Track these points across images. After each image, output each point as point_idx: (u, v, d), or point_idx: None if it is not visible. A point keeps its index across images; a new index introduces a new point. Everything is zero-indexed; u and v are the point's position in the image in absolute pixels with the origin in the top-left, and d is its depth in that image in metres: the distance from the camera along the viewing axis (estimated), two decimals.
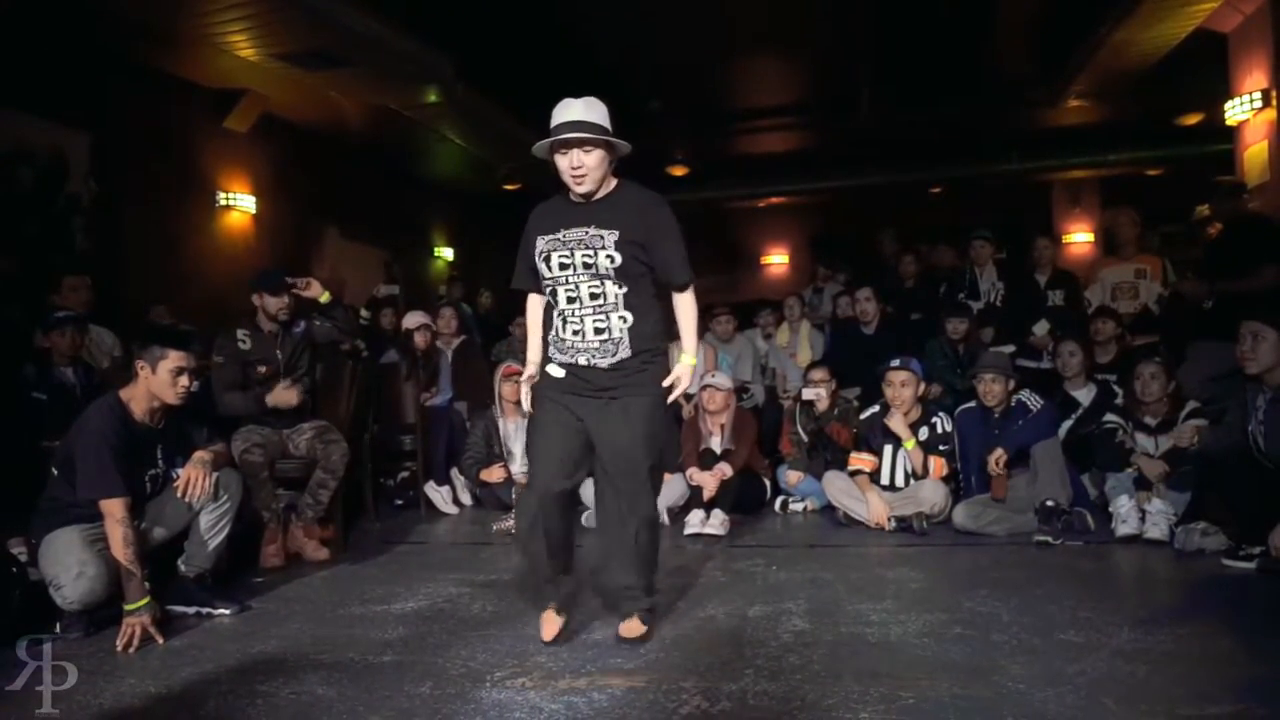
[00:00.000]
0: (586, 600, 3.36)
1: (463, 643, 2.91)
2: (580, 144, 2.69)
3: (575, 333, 2.79)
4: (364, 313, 7.63)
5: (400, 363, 5.89)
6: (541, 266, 2.80)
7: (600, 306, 2.76)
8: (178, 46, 6.16)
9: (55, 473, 3.22)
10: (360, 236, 9.58)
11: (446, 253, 11.33)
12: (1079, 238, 11.78)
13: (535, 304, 3.00)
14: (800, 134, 10.31)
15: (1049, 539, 4.19)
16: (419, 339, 6.03)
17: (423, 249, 11.11)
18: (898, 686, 2.41)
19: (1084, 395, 5.09)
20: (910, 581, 3.62)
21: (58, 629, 3.06)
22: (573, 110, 2.71)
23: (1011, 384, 4.77)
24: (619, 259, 2.72)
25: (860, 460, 4.91)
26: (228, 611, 3.31)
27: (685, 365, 2.85)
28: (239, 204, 7.72)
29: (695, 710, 2.31)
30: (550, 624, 2.89)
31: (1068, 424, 4.95)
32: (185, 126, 7.22)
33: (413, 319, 6.18)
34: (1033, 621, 2.96)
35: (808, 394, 5.45)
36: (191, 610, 3.30)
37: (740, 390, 5.99)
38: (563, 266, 2.76)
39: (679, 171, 11.39)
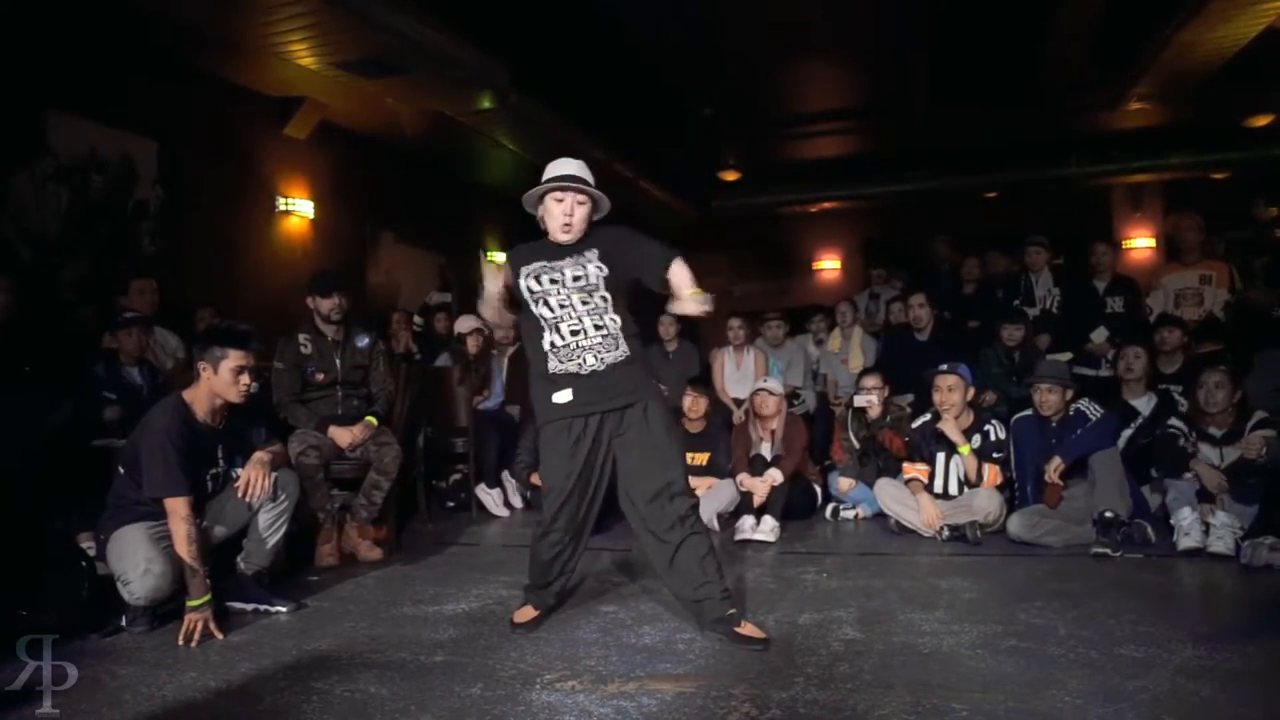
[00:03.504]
0: (638, 604, 3.37)
1: (513, 645, 2.94)
2: (579, 191, 2.97)
3: (574, 332, 2.92)
4: (417, 319, 7.75)
5: (453, 367, 5.96)
6: (530, 283, 2.96)
7: (592, 310, 2.94)
8: (240, 55, 6.32)
9: (121, 471, 3.32)
10: (415, 241, 9.70)
11: (499, 257, 11.42)
12: (1140, 243, 11.48)
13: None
14: (854, 139, 10.21)
15: (1108, 551, 4.09)
16: (471, 343, 6.10)
17: (476, 254, 11.20)
18: (950, 698, 2.38)
19: (1144, 404, 4.97)
20: (964, 591, 3.56)
21: (124, 622, 3.15)
22: (569, 166, 3.03)
23: (1069, 393, 4.67)
24: (605, 269, 2.96)
25: (914, 470, 4.85)
26: (284, 609, 3.38)
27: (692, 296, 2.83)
28: (298, 209, 7.88)
29: (744, 717, 2.30)
30: (526, 614, 3.16)
31: (1127, 433, 4.83)
32: (247, 133, 7.39)
33: (465, 323, 6.26)
34: (1091, 635, 2.90)
35: (860, 401, 5.40)
36: (250, 607, 3.38)
37: (791, 396, 5.96)
38: (553, 281, 2.94)
39: (731, 176, 11.36)
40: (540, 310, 2.95)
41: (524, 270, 3.00)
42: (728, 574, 3.86)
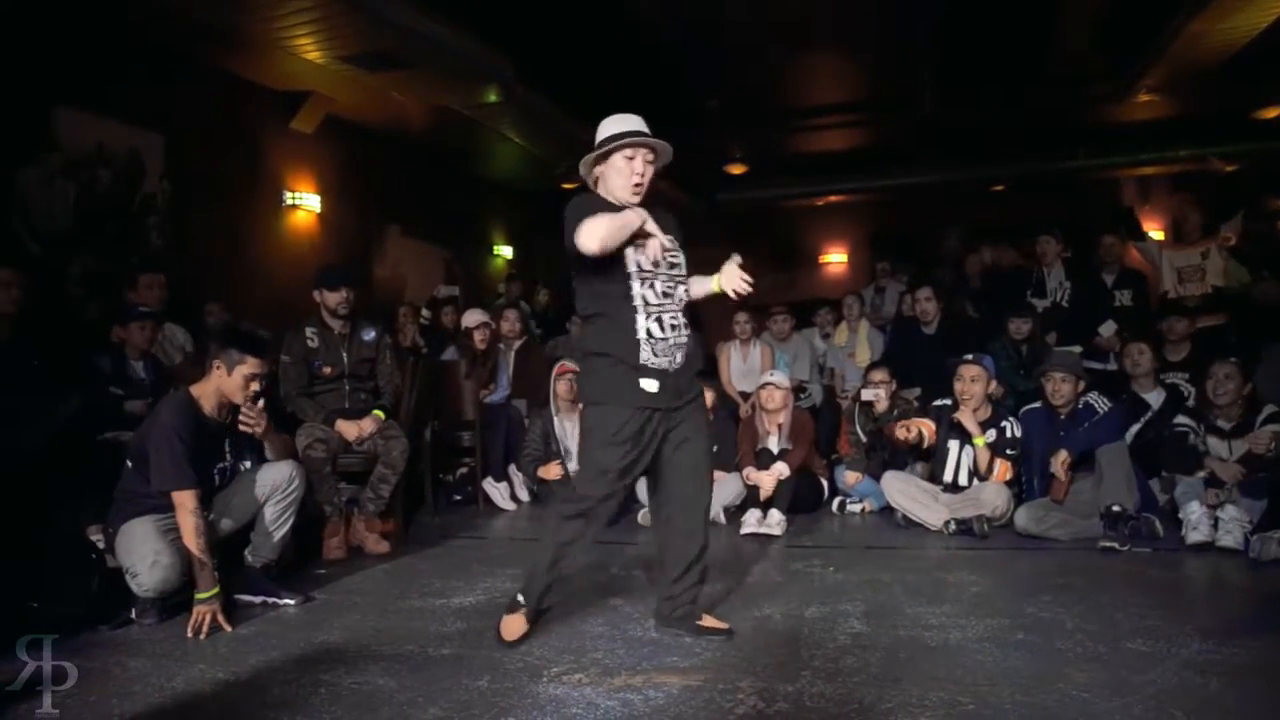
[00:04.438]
0: (644, 598, 3.37)
1: None
2: (651, 148, 2.76)
3: (673, 327, 2.76)
4: (425, 312, 7.76)
5: (460, 360, 5.97)
6: (640, 258, 2.72)
7: (682, 301, 2.82)
8: (246, 50, 6.32)
9: (129, 465, 3.34)
10: (421, 235, 9.71)
11: (505, 251, 11.45)
12: (1149, 235, 11.44)
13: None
14: (860, 131, 10.19)
15: (1115, 545, 4.08)
16: (478, 337, 6.11)
17: (482, 247, 11.23)
18: (957, 692, 2.38)
19: (1153, 398, 4.95)
20: (970, 585, 3.56)
21: (133, 614, 3.17)
22: (634, 121, 2.78)
23: (1081, 384, 4.66)
24: (684, 261, 2.85)
25: (918, 422, 4.83)
26: (292, 602, 3.40)
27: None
28: (304, 203, 7.88)
29: (751, 710, 2.30)
30: (520, 627, 2.92)
31: (1136, 427, 4.81)
32: (253, 128, 7.39)
33: (472, 317, 6.26)
34: (1098, 629, 2.89)
35: (866, 394, 5.39)
36: (258, 599, 3.40)
37: (797, 390, 5.95)
38: (655, 264, 2.74)
39: (737, 170, 11.34)
40: (644, 291, 2.72)
41: (635, 246, 2.72)
42: (734, 568, 3.89)
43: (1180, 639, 2.77)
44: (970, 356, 4.84)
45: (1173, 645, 2.71)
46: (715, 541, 4.49)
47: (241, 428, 3.46)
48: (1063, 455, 4.39)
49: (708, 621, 2.93)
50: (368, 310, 5.09)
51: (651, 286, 2.73)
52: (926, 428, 4.81)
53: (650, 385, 2.72)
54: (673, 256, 2.81)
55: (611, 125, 2.78)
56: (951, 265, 8.05)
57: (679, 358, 2.77)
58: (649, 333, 2.71)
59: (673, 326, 2.76)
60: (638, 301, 2.71)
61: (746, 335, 6.43)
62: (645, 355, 2.71)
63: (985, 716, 2.23)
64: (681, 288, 2.82)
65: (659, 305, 2.74)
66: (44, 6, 5.32)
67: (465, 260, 10.43)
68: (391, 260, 9.29)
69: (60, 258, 5.62)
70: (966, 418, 4.73)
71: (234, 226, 7.19)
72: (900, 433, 4.76)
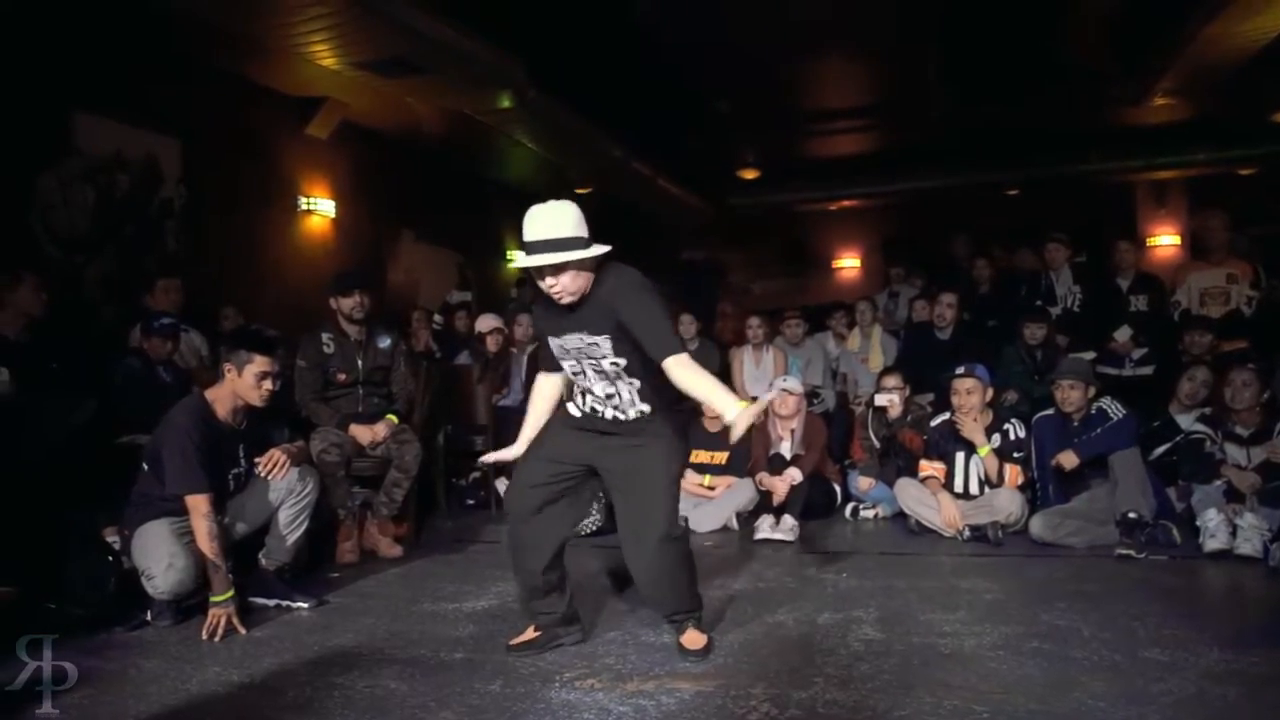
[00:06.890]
0: None
1: None
2: (548, 271, 2.59)
3: (584, 392, 2.82)
4: (437, 317, 7.79)
5: (472, 365, 5.98)
6: (558, 351, 2.81)
7: (603, 376, 2.75)
8: (262, 56, 6.35)
9: (145, 468, 3.36)
10: (435, 240, 9.74)
11: (518, 255, 11.49)
12: (1164, 240, 11.36)
13: (543, 384, 3.01)
14: (872, 135, 10.15)
15: (1131, 552, 4.04)
16: (490, 342, 6.13)
17: (495, 252, 11.26)
18: (971, 700, 2.36)
19: (1185, 421, 4.82)
20: (985, 592, 3.54)
21: (149, 616, 3.20)
22: (535, 226, 2.57)
23: (1091, 390, 4.62)
24: (623, 361, 2.69)
25: (929, 467, 4.82)
26: (306, 605, 3.42)
27: (742, 413, 2.51)
28: (319, 208, 7.92)
29: (764, 717, 2.30)
30: (524, 634, 2.93)
31: (1164, 448, 4.75)
32: (269, 133, 7.43)
33: (485, 322, 6.28)
34: (1114, 637, 2.87)
35: (880, 399, 5.37)
36: (272, 603, 3.42)
37: (810, 395, 5.94)
38: (574, 372, 2.80)
39: (749, 174, 11.33)
40: (565, 365, 2.84)
41: (552, 342, 2.81)
42: (746, 573, 3.88)
43: (1198, 648, 2.74)
44: (961, 369, 4.82)
45: (1190, 654, 2.69)
46: (728, 547, 4.54)
47: (267, 477, 3.49)
48: (1071, 456, 4.40)
49: (685, 641, 2.83)
50: (381, 315, 5.10)
51: (570, 370, 2.83)
52: (938, 472, 4.80)
53: (572, 409, 2.88)
54: (592, 365, 2.74)
55: (524, 228, 2.62)
56: (966, 270, 8.02)
57: (602, 411, 2.80)
58: (571, 392, 2.90)
59: (584, 391, 2.83)
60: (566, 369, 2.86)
61: (759, 340, 6.42)
62: (571, 406, 2.90)
63: None
64: (603, 363, 2.72)
65: (575, 378, 2.83)
66: (63, 12, 5.37)
67: (478, 265, 10.45)
68: (405, 265, 9.32)
69: (78, 261, 5.67)
70: (969, 428, 4.71)
71: (249, 231, 7.22)
72: (949, 517, 4.62)
